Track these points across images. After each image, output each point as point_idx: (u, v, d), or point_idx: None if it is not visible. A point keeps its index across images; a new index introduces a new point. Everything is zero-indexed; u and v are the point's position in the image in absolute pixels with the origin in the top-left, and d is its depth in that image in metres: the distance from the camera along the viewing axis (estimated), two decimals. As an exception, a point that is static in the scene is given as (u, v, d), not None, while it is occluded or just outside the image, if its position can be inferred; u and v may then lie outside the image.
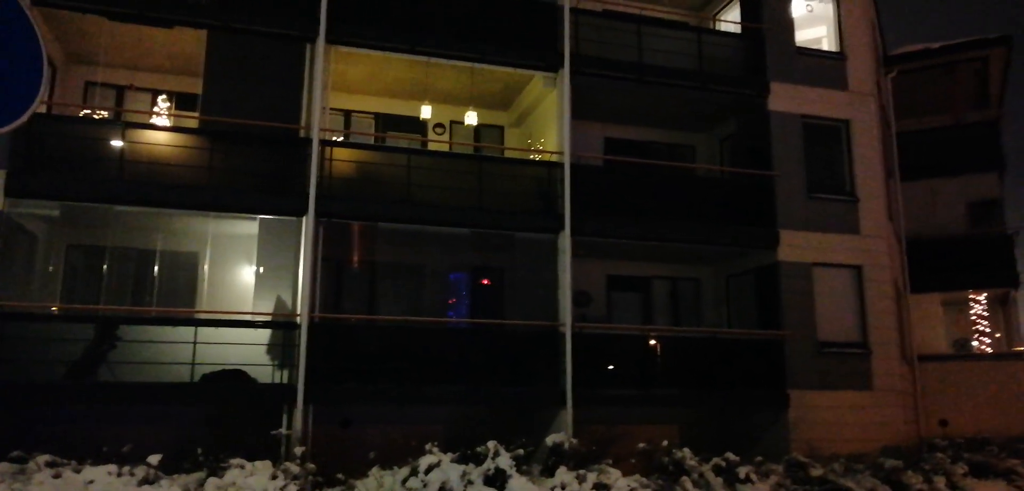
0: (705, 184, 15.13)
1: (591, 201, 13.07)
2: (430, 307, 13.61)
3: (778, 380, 13.30)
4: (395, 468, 9.83)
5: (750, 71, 14.89)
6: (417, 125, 14.84)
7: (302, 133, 11.93)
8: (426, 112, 14.28)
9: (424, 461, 9.56)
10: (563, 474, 9.92)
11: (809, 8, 16.33)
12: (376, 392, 11.27)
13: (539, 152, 14.35)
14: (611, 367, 12.73)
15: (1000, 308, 19.56)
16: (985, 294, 19.42)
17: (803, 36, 15.78)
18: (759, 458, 11.31)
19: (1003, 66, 20.09)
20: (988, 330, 19.08)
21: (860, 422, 13.69)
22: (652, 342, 13.31)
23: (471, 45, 13.00)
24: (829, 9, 16.19)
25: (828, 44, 16.13)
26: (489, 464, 9.56)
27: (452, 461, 9.59)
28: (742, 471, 10.57)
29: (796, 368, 13.47)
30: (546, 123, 14.38)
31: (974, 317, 19.23)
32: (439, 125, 15.32)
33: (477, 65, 13.29)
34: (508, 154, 15.06)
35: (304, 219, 11.46)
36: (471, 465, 9.64)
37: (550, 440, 10.74)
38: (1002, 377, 17.39)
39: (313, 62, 12.14)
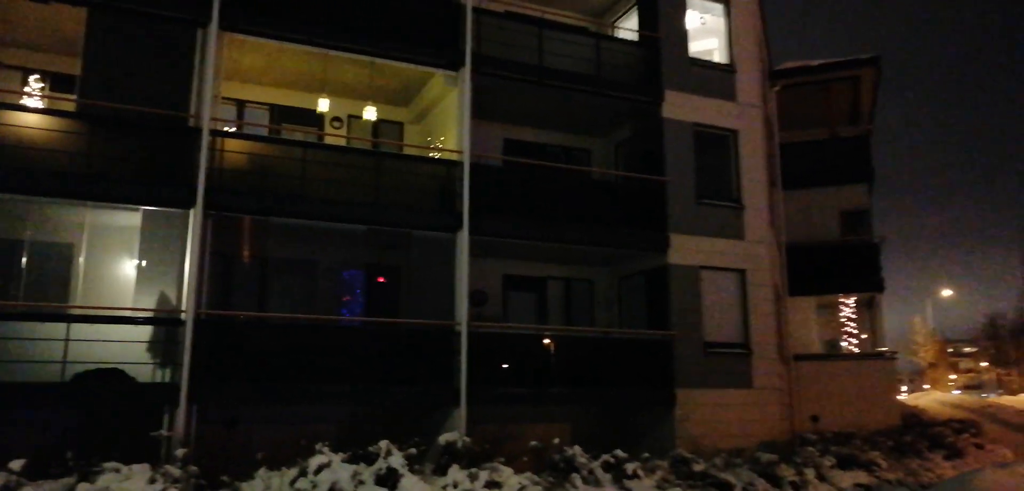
0: (600, 187, 15.49)
1: (489, 201, 13.16)
2: (324, 304, 13.35)
3: (666, 379, 13.82)
4: (283, 469, 9.61)
5: (646, 79, 15.36)
6: (314, 118, 14.52)
7: (191, 122, 11.45)
8: (324, 105, 13.99)
9: (314, 461, 9.38)
10: (455, 473, 9.97)
11: (702, 21, 17.00)
12: (265, 391, 10.96)
13: (439, 150, 14.32)
14: (506, 366, 12.87)
15: (867, 311, 21.02)
16: (854, 298, 20.84)
17: (696, 47, 16.42)
18: (646, 455, 11.72)
19: (873, 85, 21.58)
20: (856, 331, 20.50)
21: (741, 419, 14.41)
22: (546, 341, 13.54)
23: (371, 39, 12.82)
24: (721, 23, 16.91)
25: (719, 57, 16.84)
26: (381, 464, 9.49)
27: (343, 461, 9.46)
28: (630, 467, 10.92)
29: (683, 367, 14.02)
30: (446, 121, 14.37)
31: (844, 319, 20.61)
32: (337, 119, 15.04)
33: (377, 60, 13.12)
34: (407, 151, 14.98)
35: (192, 211, 10.99)
36: (362, 465, 9.54)
37: (443, 439, 10.77)
38: (866, 375, 18.71)
39: (205, 48, 11.66)
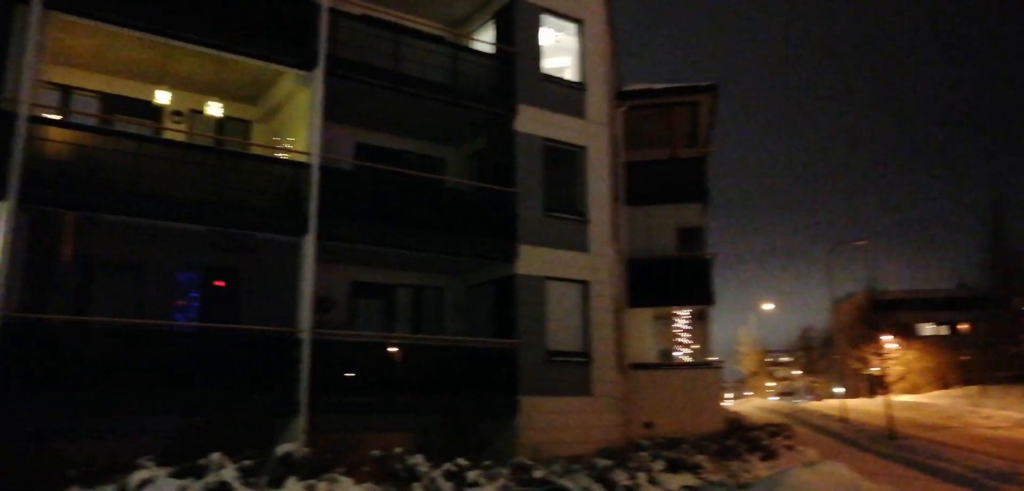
0: (453, 196, 15.61)
1: (339, 205, 12.93)
2: (156, 308, 12.58)
3: (510, 387, 14.13)
4: (99, 487, 8.93)
5: (500, 91, 15.65)
6: (151, 110, 13.65)
7: (7, 106, 10.44)
8: (163, 97, 13.21)
9: (135, 477, 8.80)
10: (293, 485, 9.70)
11: (556, 39, 17.56)
12: (84, 402, 10.17)
13: (287, 151, 13.90)
14: (351, 374, 12.69)
15: (699, 322, 22.45)
16: (688, 310, 22.19)
17: (549, 64, 16.93)
18: (488, 462, 11.92)
19: (710, 110, 23.10)
20: (688, 341, 21.84)
21: (581, 425, 14.99)
22: (393, 350, 13.47)
23: (218, 32, 12.25)
24: (573, 42, 17.53)
25: (571, 75, 17.44)
26: (212, 478, 9.07)
27: (169, 476, 8.95)
28: (471, 475, 11.06)
29: (527, 375, 14.40)
30: (297, 122, 13.98)
31: (677, 330, 21.90)
32: (177, 113, 14.22)
33: (223, 54, 12.54)
34: (254, 150, 14.40)
35: (3, 204, 10.04)
36: (191, 480, 9.07)
37: (281, 450, 10.43)
38: (696, 383, 19.97)
39: (25, 27, 10.67)
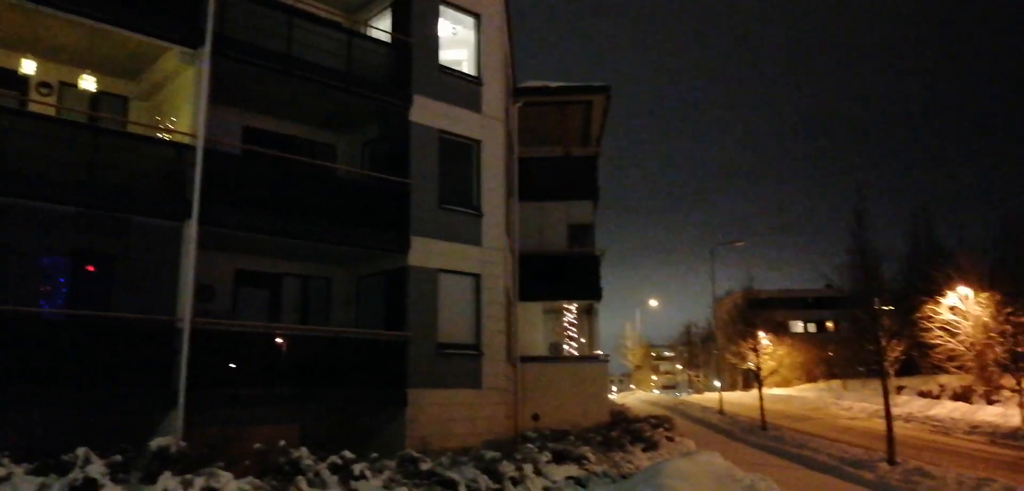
0: (344, 185, 15.31)
1: (224, 191, 12.41)
2: (16, 294, 11.67)
3: (399, 379, 14.04)
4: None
5: (396, 81, 15.46)
6: (16, 81, 12.63)
7: None
8: (29, 67, 12.26)
9: (-10, 476, 8.19)
10: (167, 480, 9.25)
11: (454, 31, 17.53)
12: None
13: (169, 132, 13.21)
14: (234, 366, 12.25)
15: (587, 317, 23.06)
16: (576, 304, 22.74)
17: (446, 56, 16.88)
18: (375, 455, 11.80)
19: (603, 111, 23.73)
20: (576, 336, 22.39)
21: (470, 418, 15.08)
22: (279, 341, 13.09)
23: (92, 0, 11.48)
24: (471, 36, 17.55)
25: (467, 68, 17.47)
26: (77, 474, 8.53)
27: (26, 473, 8.37)
28: (357, 468, 10.91)
29: (416, 368, 14.34)
30: (180, 102, 13.29)
31: (566, 324, 22.41)
32: (45, 85, 13.23)
33: (99, 24, 11.75)
34: (131, 128, 13.56)
35: None
36: (53, 476, 8.51)
37: (155, 444, 9.94)
38: (583, 376, 20.51)
39: None
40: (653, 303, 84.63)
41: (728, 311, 56.41)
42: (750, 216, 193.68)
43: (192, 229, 11.83)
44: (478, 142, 16.73)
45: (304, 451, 10.77)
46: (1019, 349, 27.70)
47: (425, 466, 11.72)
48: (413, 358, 14.31)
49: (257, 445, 10.84)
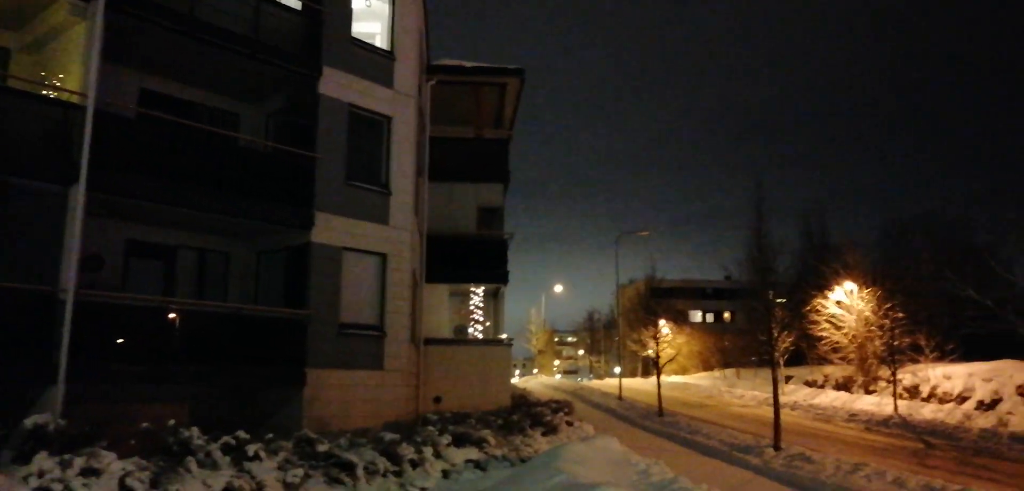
0: (247, 156, 14.73)
1: (116, 155, 11.71)
2: None
3: (299, 359, 13.69)
4: None
5: (305, 50, 14.97)
6: None
7: None
8: None
9: None
10: (43, 460, 8.70)
11: (368, 3, 17.11)
12: None
13: (56, 89, 12.34)
14: (123, 341, 11.62)
15: (493, 300, 23.11)
16: (483, 288, 22.75)
17: (359, 29, 16.47)
18: (270, 435, 11.47)
19: (516, 94, 23.74)
20: (482, 319, 22.42)
21: (371, 399, 14.88)
22: (172, 316, 12.50)
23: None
24: (385, 9, 17.18)
25: (381, 42, 17.11)
26: (-62, 454, 7.91)
27: None
28: (251, 449, 10.57)
29: (317, 347, 14.01)
30: (70, 58, 12.44)
31: (472, 307, 22.40)
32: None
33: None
34: (12, 84, 12.58)
35: None
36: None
37: (30, 422, 9.34)
38: (487, 360, 20.58)
39: None
40: (559, 289, 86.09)
41: (631, 299, 57.95)
42: (656, 207, 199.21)
43: (79, 194, 11.09)
44: (389, 118, 16.43)
45: (195, 431, 10.35)
46: (895, 343, 29.63)
47: (322, 447, 11.50)
48: (314, 337, 13.98)
49: (144, 424, 10.34)
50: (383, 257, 15.79)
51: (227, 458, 10.38)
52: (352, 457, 11.36)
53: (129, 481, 8.85)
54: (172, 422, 10.51)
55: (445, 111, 23.07)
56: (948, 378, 29.51)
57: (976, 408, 26.73)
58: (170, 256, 14.52)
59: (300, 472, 10.60)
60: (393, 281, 15.84)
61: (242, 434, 10.81)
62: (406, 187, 16.60)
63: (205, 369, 12.55)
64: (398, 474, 11.71)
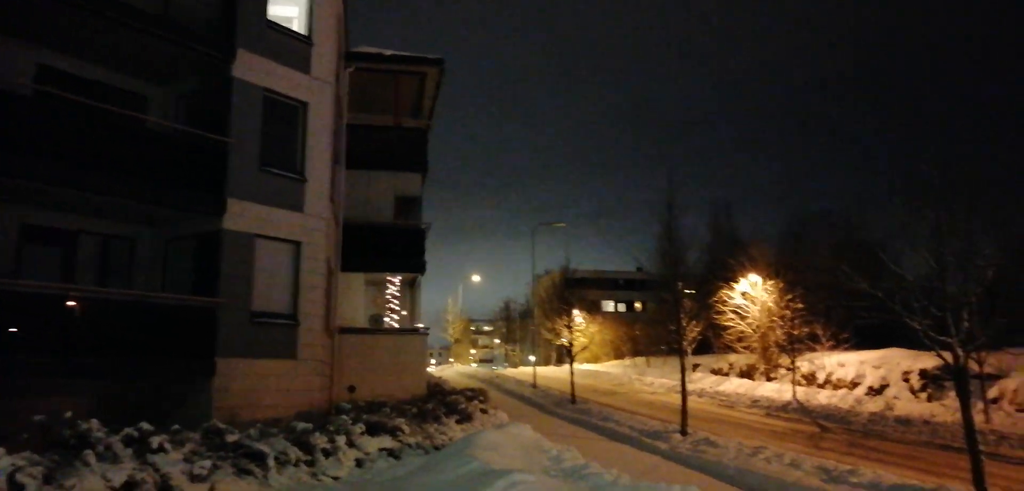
0: (155, 139, 14.25)
1: (11, 134, 11.18)
2: None
3: (209, 348, 13.38)
4: None
5: (219, 32, 14.60)
6: None
7: None
8: None
9: None
10: (-79, 457, 8.29)
11: (284, -14, 16.75)
12: None
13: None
14: (18, 330, 11.09)
15: (409, 290, 23.10)
16: (400, 277, 22.71)
17: (276, 12, 16.13)
18: (176, 427, 11.20)
19: (436, 84, 23.72)
20: (398, 308, 22.39)
21: (284, 389, 14.68)
22: (72, 304, 12.00)
23: None
24: (304, -8, 16.86)
25: (298, 26, 16.79)
26: None
27: None
28: (156, 440, 10.29)
29: (228, 336, 13.73)
30: (-43, 27, 11.75)
31: (389, 296, 22.34)
32: None
33: None
34: None
35: None
36: None
37: (-85, 416, 8.86)
38: (402, 349, 20.57)
39: None
40: (476, 279, 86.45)
41: (546, 289, 58.70)
42: (572, 199, 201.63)
43: (-31, 175, 10.53)
44: (305, 104, 16.18)
45: (94, 423, 10.01)
46: (795, 332, 31.21)
47: (232, 438, 11.30)
48: (225, 326, 13.69)
49: (38, 417, 9.92)
50: (297, 245, 15.57)
51: (129, 451, 10.07)
52: (263, 447, 11.22)
53: (19, 477, 8.49)
54: (69, 414, 10.13)
55: (364, 99, 22.84)
56: (842, 366, 31.33)
57: (866, 393, 28.53)
58: (70, 242, 13.91)
59: (208, 463, 10.39)
60: (307, 269, 15.65)
61: (145, 425, 10.51)
62: (322, 175, 16.40)
63: (109, 360, 12.11)
64: (310, 463, 11.64)
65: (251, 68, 14.92)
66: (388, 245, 21.50)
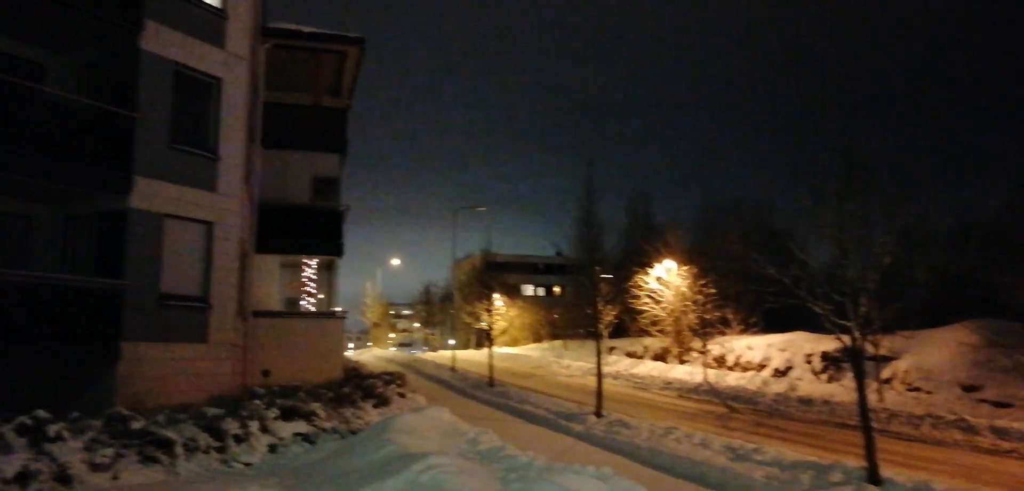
0: (54, 111, 13.44)
1: None
2: None
3: (113, 332, 12.86)
4: None
5: (125, 2, 13.90)
6: None
7: None
8: None
9: None
10: None
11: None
12: None
13: None
14: None
15: (327, 273, 22.73)
16: (317, 260, 22.31)
17: (186, -18, 15.48)
18: (76, 414, 10.74)
19: (356, 63, 23.32)
20: (315, 291, 22.00)
21: (194, 373, 14.25)
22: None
23: None
24: (216, -36, 16.24)
25: (212, -1, 16.17)
26: None
27: None
28: (53, 429, 9.85)
29: (134, 320, 13.22)
30: None
31: (305, 279, 21.92)
32: None
33: None
34: None
35: None
36: None
37: None
38: (319, 332, 20.26)
39: None
40: (396, 262, 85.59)
41: (467, 273, 58.77)
42: (494, 184, 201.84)
43: None
44: (219, 80, 15.63)
45: (-15, 411, 9.51)
46: (707, 317, 32.30)
47: (137, 425, 10.94)
48: (131, 309, 13.16)
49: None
50: (209, 226, 15.08)
51: (23, 440, 9.62)
52: (170, 434, 10.91)
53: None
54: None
55: (281, 77, 22.25)
56: (750, 349, 32.63)
57: (772, 375, 29.81)
58: (-40, 218, 13.08)
59: (110, 452, 10.04)
60: (220, 251, 15.18)
61: (41, 413, 10.05)
62: (237, 154, 15.91)
63: (2, 345, 11.47)
64: (221, 450, 11.38)
65: (161, 40, 14.30)
66: (305, 227, 21.08)
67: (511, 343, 64.84)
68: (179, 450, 10.68)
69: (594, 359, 19.49)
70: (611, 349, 44.21)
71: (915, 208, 13.23)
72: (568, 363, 41.88)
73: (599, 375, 19.10)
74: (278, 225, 20.15)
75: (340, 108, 23.63)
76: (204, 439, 11.29)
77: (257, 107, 19.22)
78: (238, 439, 11.85)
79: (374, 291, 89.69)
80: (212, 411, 12.14)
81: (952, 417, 18.95)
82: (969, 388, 22.87)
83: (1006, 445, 16.16)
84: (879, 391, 23.79)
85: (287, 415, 13.56)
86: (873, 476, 10.24)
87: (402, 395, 20.05)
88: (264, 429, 12.65)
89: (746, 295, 33.89)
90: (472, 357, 53.18)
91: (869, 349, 21.73)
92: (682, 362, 36.64)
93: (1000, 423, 18.02)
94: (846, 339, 10.79)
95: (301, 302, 22.05)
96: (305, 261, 22.21)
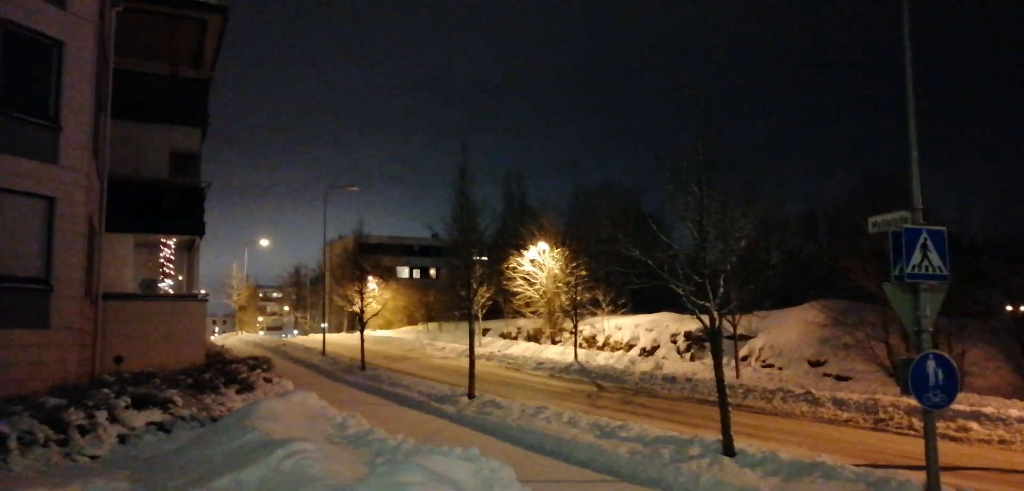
0: None
1: None
2: None
3: (-66, 316, 11.60)
4: None
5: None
6: None
7: None
8: None
9: None
10: None
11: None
12: None
13: None
14: None
15: (186, 253, 21.52)
16: (175, 239, 21.07)
17: (22, -66, 14.09)
18: None
19: (218, 33, 22.12)
20: (174, 272, 20.78)
21: (35, 361, 13.12)
22: None
23: None
24: (53, -84, 14.87)
25: (51, -45, 14.81)
26: None
27: None
28: None
29: (-40, 303, 11.99)
30: None
31: (163, 260, 20.66)
32: None
33: None
34: None
35: None
36: None
37: None
38: (179, 316, 19.17)
39: None
40: (265, 243, 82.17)
41: (339, 255, 57.46)
42: (367, 164, 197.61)
43: None
44: (61, 43, 14.35)
45: None
46: (578, 298, 33.16)
47: (-38, 419, 9.92)
48: (-44, 291, 11.92)
49: None
50: (51, 201, 13.87)
51: None
52: (3, 428, 9.97)
53: None
54: None
55: (135, 43, 20.74)
56: (619, 329, 33.83)
57: (640, 354, 31.06)
58: None
59: (-71, 449, 9.06)
60: (63, 229, 14.00)
61: None
62: (82, 124, 14.69)
63: None
64: (63, 443, 10.51)
65: (-9, -4, 12.96)
66: (162, 204, 19.84)
67: (385, 326, 64.03)
68: (13, 444, 9.76)
69: (468, 341, 19.54)
70: (485, 331, 44.58)
71: (770, 193, 14.09)
72: (443, 345, 41.87)
73: (472, 357, 19.18)
74: (132, 202, 18.83)
75: (201, 79, 22.36)
76: (43, 432, 10.38)
77: (106, 74, 17.83)
78: (83, 431, 10.99)
79: (241, 273, 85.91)
80: (53, 402, 11.21)
81: (800, 391, 20.40)
82: (815, 363, 24.77)
83: (845, 415, 17.57)
84: (737, 368, 25.28)
85: (140, 403, 12.75)
86: (728, 448, 10.83)
87: (268, 380, 19.34)
88: (113, 419, 11.81)
89: (615, 277, 35.03)
90: (344, 340, 52.12)
91: (728, 328, 23.18)
92: (554, 342, 37.47)
93: (841, 395, 19.59)
94: (706, 319, 11.31)
95: (159, 284, 20.76)
96: (163, 241, 20.90)
